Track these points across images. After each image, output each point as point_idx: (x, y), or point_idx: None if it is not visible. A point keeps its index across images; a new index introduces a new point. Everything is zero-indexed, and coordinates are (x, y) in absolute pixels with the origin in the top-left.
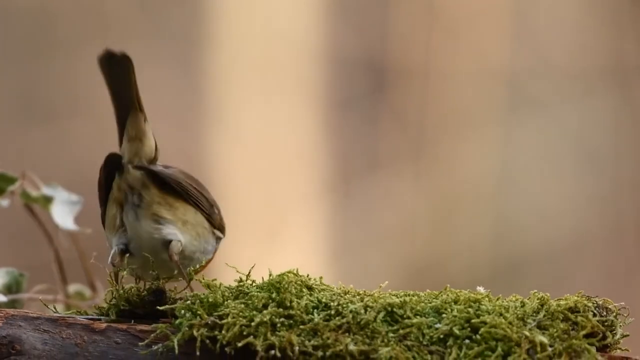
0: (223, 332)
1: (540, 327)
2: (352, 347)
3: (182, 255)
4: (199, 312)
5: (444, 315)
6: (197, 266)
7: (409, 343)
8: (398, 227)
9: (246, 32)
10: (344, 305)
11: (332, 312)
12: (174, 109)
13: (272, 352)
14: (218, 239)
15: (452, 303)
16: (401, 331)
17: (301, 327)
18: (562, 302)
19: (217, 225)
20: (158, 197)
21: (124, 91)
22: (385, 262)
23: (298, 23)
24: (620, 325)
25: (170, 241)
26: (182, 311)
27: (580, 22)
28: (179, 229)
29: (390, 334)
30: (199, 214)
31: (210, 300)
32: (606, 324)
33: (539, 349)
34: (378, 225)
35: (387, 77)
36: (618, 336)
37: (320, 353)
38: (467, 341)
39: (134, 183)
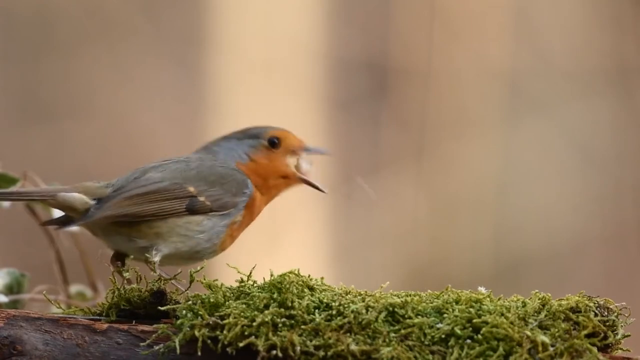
0: (224, 332)
1: (542, 327)
2: (353, 347)
3: (184, 256)
4: (200, 312)
5: (445, 315)
6: (216, 248)
7: (410, 343)
8: (399, 228)
9: (248, 32)
10: (346, 306)
11: (334, 312)
12: (175, 109)
13: (274, 352)
14: (226, 214)
15: (454, 303)
16: (403, 331)
17: (302, 327)
18: (563, 302)
19: (208, 209)
20: (115, 230)
21: None
22: (387, 263)
23: (300, 24)
24: (622, 325)
25: (146, 248)
26: (184, 311)
27: (581, 23)
28: (155, 242)
29: (392, 334)
30: (171, 218)
31: (211, 300)
32: (607, 323)
33: (540, 348)
34: (379, 226)
35: (389, 77)
36: (619, 336)
37: (321, 353)
38: (468, 341)
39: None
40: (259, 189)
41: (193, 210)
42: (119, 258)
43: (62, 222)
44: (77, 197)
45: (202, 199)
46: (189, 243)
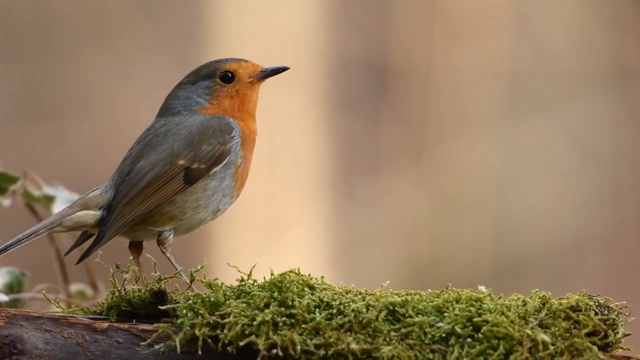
0: (225, 331)
1: (542, 325)
2: (354, 346)
3: (207, 220)
4: (200, 311)
5: (445, 314)
6: (233, 198)
7: (410, 342)
8: (399, 227)
9: (248, 32)
10: (346, 305)
11: (334, 311)
12: None
13: (274, 351)
14: (227, 164)
15: (454, 302)
16: (403, 330)
17: (303, 326)
18: (563, 301)
19: (205, 170)
20: (130, 229)
21: None
22: (387, 261)
23: (300, 24)
24: (622, 324)
25: (160, 232)
26: (184, 311)
27: (581, 22)
28: (171, 226)
29: (392, 333)
30: (177, 197)
31: (212, 299)
32: (608, 322)
33: (540, 347)
34: (379, 225)
35: (389, 77)
36: (620, 335)
37: (322, 352)
38: (469, 340)
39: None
40: (238, 119)
41: (192, 180)
42: (136, 245)
43: (81, 243)
44: (84, 215)
45: (195, 165)
46: (207, 210)
